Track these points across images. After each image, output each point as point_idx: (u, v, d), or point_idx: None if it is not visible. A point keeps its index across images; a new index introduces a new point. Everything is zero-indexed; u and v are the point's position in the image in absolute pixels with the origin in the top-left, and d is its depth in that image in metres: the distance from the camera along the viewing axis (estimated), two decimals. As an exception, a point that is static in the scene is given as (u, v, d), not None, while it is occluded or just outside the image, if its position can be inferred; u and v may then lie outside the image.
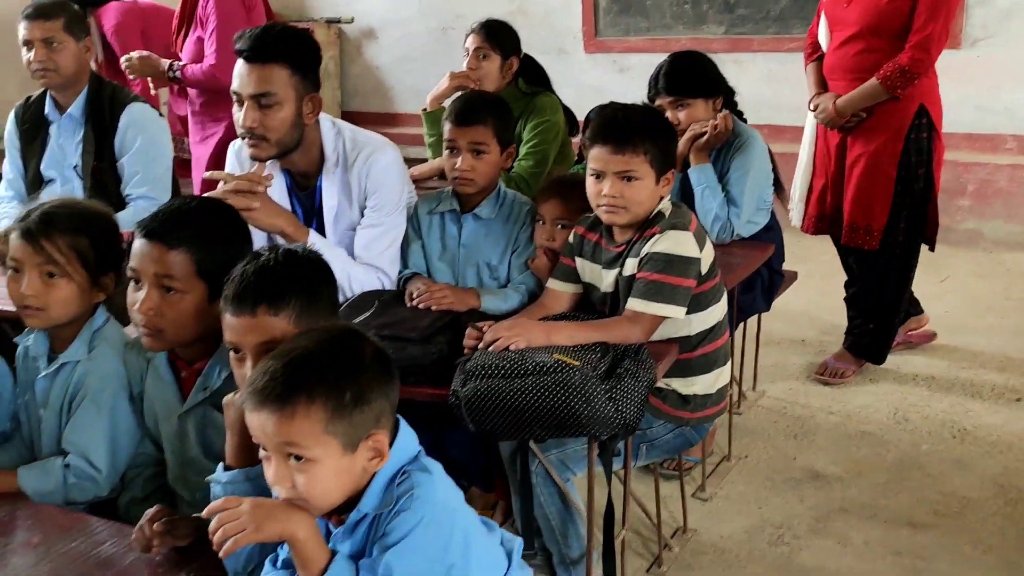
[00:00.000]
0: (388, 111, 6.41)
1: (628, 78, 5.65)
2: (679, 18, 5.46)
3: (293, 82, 2.35)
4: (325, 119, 2.53)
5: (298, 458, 1.33)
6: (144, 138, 3.12)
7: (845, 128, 3.48)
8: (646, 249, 2.18)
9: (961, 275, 4.63)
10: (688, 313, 2.21)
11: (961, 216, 4.99)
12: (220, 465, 1.56)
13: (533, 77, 3.54)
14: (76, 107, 3.12)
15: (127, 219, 2.70)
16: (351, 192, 2.53)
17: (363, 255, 2.52)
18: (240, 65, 2.35)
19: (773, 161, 3.16)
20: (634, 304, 2.16)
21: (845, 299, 3.78)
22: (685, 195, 3.03)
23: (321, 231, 2.55)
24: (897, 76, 3.30)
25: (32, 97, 3.20)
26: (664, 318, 2.17)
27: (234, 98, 2.38)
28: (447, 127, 2.55)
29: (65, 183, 3.13)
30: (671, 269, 2.16)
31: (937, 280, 4.58)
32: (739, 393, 3.44)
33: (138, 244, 1.73)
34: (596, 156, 2.22)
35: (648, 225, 2.22)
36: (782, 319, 3.95)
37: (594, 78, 5.72)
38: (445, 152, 2.58)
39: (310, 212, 2.59)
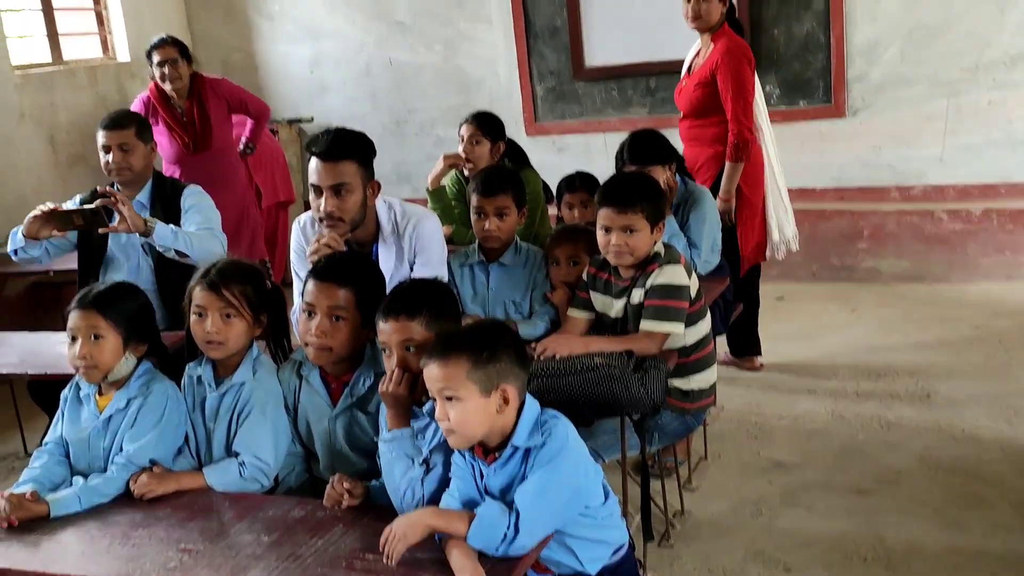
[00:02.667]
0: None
1: (566, 156, 6.39)
2: (608, 103, 6.26)
3: (360, 173, 2.95)
4: (378, 199, 3.15)
5: (449, 398, 1.95)
6: (204, 202, 3.67)
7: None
8: (650, 282, 2.85)
9: (868, 306, 5.45)
10: (685, 328, 2.89)
11: (861, 257, 5.84)
12: (384, 431, 2.16)
13: (515, 157, 4.25)
14: (143, 195, 3.64)
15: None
16: (403, 254, 3.13)
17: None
18: (316, 163, 2.93)
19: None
20: (647, 325, 2.83)
21: None
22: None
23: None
24: (736, 150, 4.20)
25: (97, 188, 3.60)
26: (670, 333, 2.84)
27: (312, 190, 2.98)
28: (475, 197, 3.22)
29: (129, 260, 3.62)
30: (672, 295, 2.84)
31: (848, 310, 5.40)
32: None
33: (312, 284, 2.33)
34: (604, 215, 2.89)
35: (648, 263, 2.90)
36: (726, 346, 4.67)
37: (535, 158, 6.31)
38: (473, 216, 3.24)
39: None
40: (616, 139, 5.85)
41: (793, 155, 5.89)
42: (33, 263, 3.65)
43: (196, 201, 3.69)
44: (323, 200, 2.94)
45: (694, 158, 4.31)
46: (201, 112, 5.04)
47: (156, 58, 4.94)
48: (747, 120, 4.20)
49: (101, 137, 3.61)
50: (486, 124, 4.14)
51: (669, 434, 3.05)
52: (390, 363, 2.20)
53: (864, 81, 5.73)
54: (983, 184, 5.62)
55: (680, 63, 5.95)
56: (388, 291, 3.09)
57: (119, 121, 3.64)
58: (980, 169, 5.62)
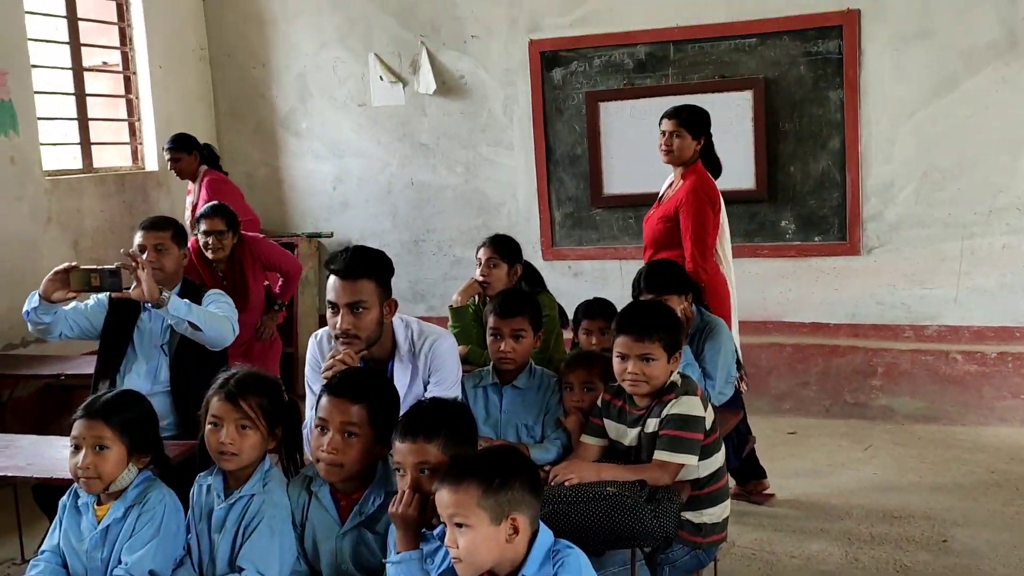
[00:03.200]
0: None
1: (581, 281, 6.46)
2: (624, 230, 6.35)
3: (378, 291, 2.98)
4: (395, 317, 3.17)
5: (459, 525, 1.93)
6: (224, 299, 3.77)
7: None
8: (666, 411, 2.84)
9: (881, 444, 5.38)
10: (699, 460, 2.86)
11: (874, 394, 5.81)
12: (393, 552, 2.12)
13: (532, 280, 4.28)
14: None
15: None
16: (418, 372, 3.14)
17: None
18: (335, 280, 2.97)
19: (735, 343, 3.90)
20: (661, 455, 2.80)
21: None
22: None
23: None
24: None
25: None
26: (684, 464, 2.81)
27: (329, 308, 3.00)
28: (492, 318, 3.24)
29: (149, 361, 3.67)
30: (687, 426, 2.82)
31: (862, 448, 5.33)
32: (714, 543, 4.03)
33: (325, 400, 2.33)
34: (621, 342, 2.89)
35: (664, 392, 2.89)
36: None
37: (552, 281, 6.41)
38: (489, 338, 3.25)
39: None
40: (632, 266, 5.95)
41: (807, 290, 5.97)
42: (45, 332, 3.59)
43: (217, 298, 3.79)
44: (340, 318, 2.96)
45: None
46: (240, 276, 5.09)
47: (203, 226, 5.00)
48: (702, 260, 4.31)
49: (139, 237, 3.73)
50: (503, 247, 4.20)
51: (680, 568, 2.97)
52: (403, 483, 2.18)
53: (879, 220, 5.81)
54: (998, 327, 5.62)
55: None
56: (402, 410, 3.12)
57: (158, 223, 3.80)
58: (995, 311, 5.63)
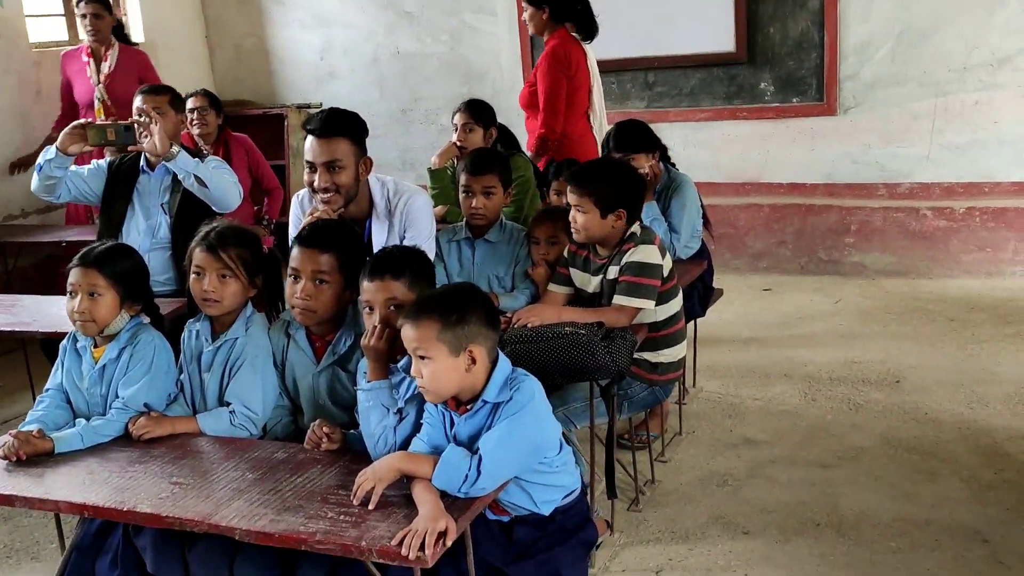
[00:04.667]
0: (350, 183, 7.19)
1: (565, 147, 6.58)
2: (607, 95, 6.34)
3: (353, 150, 3.14)
4: (370, 176, 3.34)
5: (422, 357, 2.14)
6: (225, 165, 3.92)
7: None
8: (625, 259, 3.04)
9: (851, 298, 5.62)
10: (656, 305, 3.08)
11: (847, 251, 6.01)
12: (363, 380, 2.35)
13: (507, 142, 4.44)
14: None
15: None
16: (394, 228, 3.33)
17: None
18: (311, 140, 3.13)
19: (700, 200, 4.07)
20: (619, 299, 3.02)
21: None
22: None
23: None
24: (539, 144, 4.72)
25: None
26: (641, 309, 3.03)
27: (307, 167, 3.17)
28: (463, 176, 3.41)
29: (150, 218, 3.83)
30: (643, 273, 3.02)
31: (832, 302, 5.57)
32: (682, 387, 4.30)
33: (297, 250, 2.53)
34: (569, 190, 3.09)
35: (624, 242, 3.09)
36: (711, 332, 4.84)
37: None
38: (461, 195, 3.44)
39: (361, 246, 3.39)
40: None
41: (785, 151, 6.10)
42: (51, 189, 3.72)
43: (218, 164, 3.91)
44: (317, 176, 3.13)
45: (531, 150, 4.80)
46: (224, 155, 5.15)
47: (189, 104, 5.05)
48: (553, 121, 4.66)
49: (138, 101, 3.90)
50: (478, 111, 4.33)
51: (638, 403, 3.23)
52: (371, 320, 2.39)
53: (855, 80, 5.89)
54: (967, 183, 5.78)
55: (680, 58, 6.18)
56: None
57: (156, 88, 4.00)
58: (965, 168, 5.78)
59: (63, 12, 6.35)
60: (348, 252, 2.58)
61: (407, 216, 3.33)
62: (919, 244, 5.85)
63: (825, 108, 5.98)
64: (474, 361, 2.16)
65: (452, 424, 2.22)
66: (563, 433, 3.01)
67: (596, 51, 6.30)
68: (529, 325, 2.90)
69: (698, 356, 4.43)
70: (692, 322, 4.19)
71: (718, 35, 6.02)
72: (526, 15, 4.80)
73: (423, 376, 2.15)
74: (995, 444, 3.67)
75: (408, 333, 2.16)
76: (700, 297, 4.07)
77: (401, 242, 3.33)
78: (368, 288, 2.40)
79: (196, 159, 3.80)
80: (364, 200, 3.32)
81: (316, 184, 3.16)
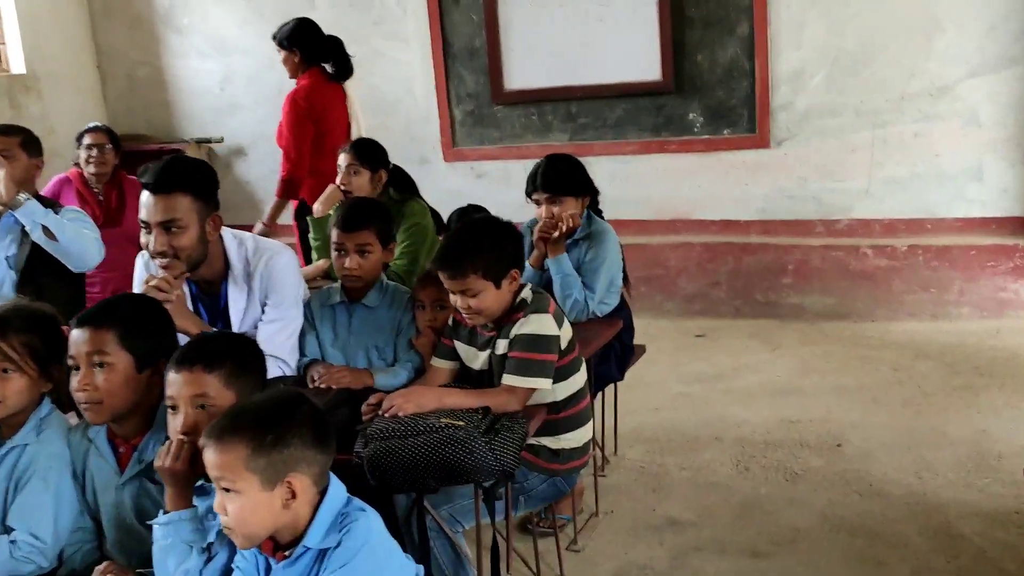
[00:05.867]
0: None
1: (485, 183, 6.14)
2: (528, 128, 6.01)
3: (196, 207, 2.66)
4: (227, 233, 2.84)
5: (227, 490, 1.66)
6: (84, 217, 3.53)
7: None
8: (514, 331, 2.57)
9: (789, 344, 5.23)
10: (554, 383, 2.61)
11: (785, 292, 5.63)
12: (161, 512, 1.85)
13: (402, 185, 3.96)
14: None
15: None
16: (254, 292, 2.84)
17: (265, 347, 2.78)
18: (146, 196, 2.66)
19: (621, 252, 3.63)
20: (509, 379, 2.55)
21: None
22: (545, 287, 3.47)
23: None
24: (282, 186, 4.74)
25: None
26: (535, 389, 2.56)
27: (142, 227, 2.68)
28: (335, 232, 2.92)
29: None
30: (536, 347, 2.56)
31: (770, 349, 5.16)
32: (602, 457, 3.84)
33: (73, 334, 2.03)
34: (443, 280, 2.60)
35: (514, 311, 2.62)
36: (637, 389, 4.40)
37: (454, 183, 6.18)
38: (333, 253, 2.95)
39: (215, 314, 2.89)
40: None
41: (717, 186, 5.71)
42: None
43: (76, 215, 3.54)
44: (152, 238, 2.65)
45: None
46: (119, 196, 4.72)
47: (86, 140, 4.67)
48: (297, 166, 4.67)
49: None
50: (364, 152, 3.86)
51: (536, 498, 2.76)
52: (173, 424, 1.90)
53: (789, 110, 5.54)
54: (909, 219, 5.44)
55: (601, 87, 5.79)
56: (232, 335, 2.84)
57: (5, 129, 3.61)
58: (906, 203, 5.44)
59: (-71, 40, 5.77)
60: (132, 323, 2.07)
61: (268, 278, 2.85)
62: (860, 284, 5.47)
63: (758, 140, 5.61)
64: (294, 495, 1.68)
65: (268, 571, 1.73)
66: (448, 536, 2.58)
67: (516, 79, 5.96)
68: (402, 414, 2.42)
69: (620, 419, 3.98)
70: (612, 385, 3.75)
71: (643, 63, 5.64)
72: (280, 57, 4.79)
73: (228, 513, 1.66)
74: (947, 523, 3.26)
75: (210, 458, 1.67)
76: (618, 359, 3.62)
77: (263, 309, 2.86)
78: (172, 381, 1.91)
79: (48, 209, 3.41)
80: (218, 261, 2.83)
81: (151, 247, 2.67)
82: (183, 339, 2.65)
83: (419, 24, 6.08)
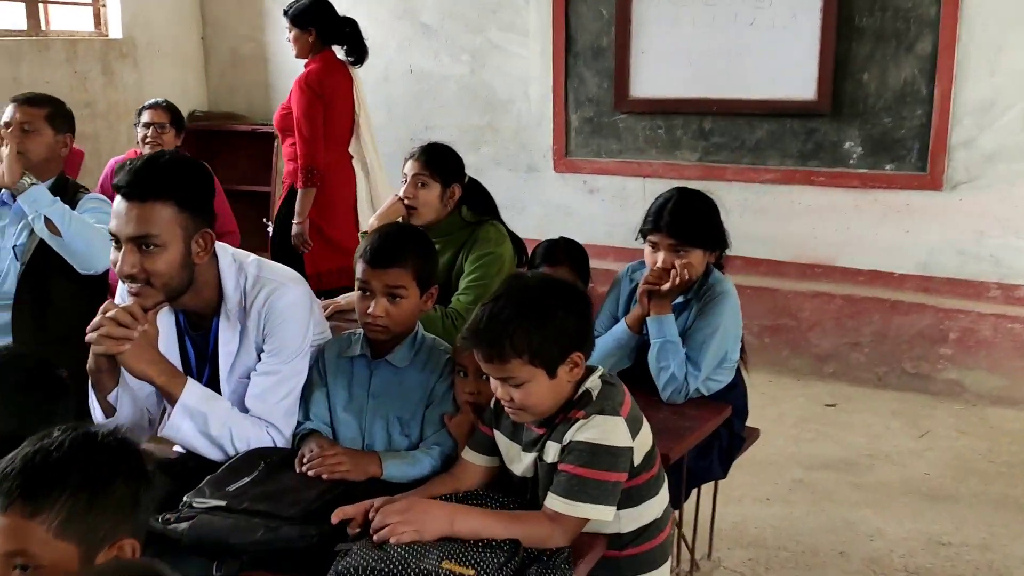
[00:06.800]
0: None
1: (597, 199, 5.42)
2: (652, 142, 5.24)
3: (179, 220, 2.05)
4: (226, 255, 2.22)
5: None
6: (104, 209, 3.08)
7: None
8: (569, 436, 1.85)
9: (942, 430, 4.31)
10: (618, 509, 1.88)
11: (942, 365, 4.69)
12: None
13: (478, 204, 3.25)
14: None
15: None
16: (249, 334, 2.21)
17: (255, 406, 2.19)
18: (118, 202, 2.06)
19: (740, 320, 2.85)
20: (555, 503, 1.82)
21: None
22: (641, 350, 2.73)
23: (215, 379, 2.24)
24: (303, 174, 4.34)
25: None
26: (587, 519, 1.83)
27: (112, 241, 2.08)
28: (359, 266, 2.25)
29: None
30: (598, 462, 1.82)
31: (916, 435, 4.26)
32: (691, 560, 3.08)
33: None
34: (478, 360, 1.90)
35: (573, 406, 1.89)
36: (744, 468, 3.58)
37: (563, 197, 5.50)
38: (356, 293, 2.27)
39: (203, 357, 2.27)
40: (659, 185, 4.98)
41: (871, 230, 4.84)
42: None
43: (96, 206, 3.13)
44: (121, 255, 2.04)
45: (289, 172, 4.51)
46: None
47: (144, 117, 4.27)
48: (313, 150, 4.32)
49: (7, 111, 3.11)
50: (437, 161, 3.16)
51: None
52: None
53: (971, 148, 4.59)
54: (1111, 293, 4.43)
55: (742, 103, 5.01)
56: (225, 388, 2.22)
57: (33, 99, 3.17)
58: (1109, 273, 4.43)
59: (23, -3, 5.43)
60: None
61: (268, 318, 2.20)
62: (1040, 367, 4.49)
63: (927, 180, 4.68)
64: None
65: None
66: None
67: (644, 86, 5.20)
68: (394, 540, 1.72)
69: (718, 508, 3.19)
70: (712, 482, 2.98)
71: (796, 78, 4.79)
72: (290, 35, 4.45)
73: None
74: None
75: None
76: (722, 452, 2.83)
77: (259, 354, 2.21)
78: None
79: (56, 198, 2.98)
80: (209, 289, 2.20)
81: (118, 268, 2.06)
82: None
83: (542, 15, 5.39)
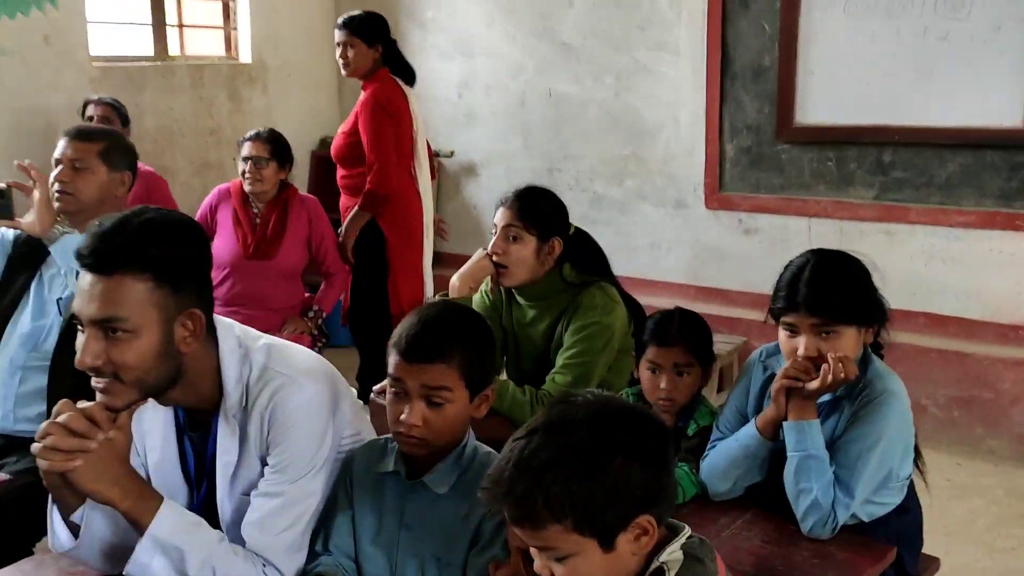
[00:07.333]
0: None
1: (754, 241, 4.76)
2: (820, 176, 4.53)
3: (156, 298, 1.62)
4: (229, 337, 1.76)
5: None
6: None
7: None
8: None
9: None
10: None
11: None
12: None
13: (585, 262, 2.68)
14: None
15: None
16: (250, 440, 1.75)
17: (252, 537, 1.72)
18: (82, 276, 1.64)
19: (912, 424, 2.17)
20: None
21: None
22: (775, 459, 2.10)
23: (213, 492, 1.79)
24: (369, 200, 4.05)
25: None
26: None
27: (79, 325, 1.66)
28: (392, 358, 1.73)
29: (40, 318, 2.72)
30: None
31: None
32: None
33: None
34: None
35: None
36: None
37: (714, 237, 4.88)
38: (389, 393, 1.76)
39: (203, 465, 1.82)
40: (825, 226, 4.38)
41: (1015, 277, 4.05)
42: None
43: None
44: (83, 342, 1.62)
45: (348, 208, 4.19)
46: (279, 221, 3.95)
47: (243, 151, 3.94)
48: (384, 173, 4.05)
49: (59, 146, 2.76)
50: (531, 210, 2.60)
51: None
52: None
53: None
54: None
55: (930, 131, 4.28)
56: (221, 505, 1.76)
57: (87, 133, 2.81)
58: None
59: (151, 22, 5.27)
60: None
61: (272, 423, 1.73)
62: None
63: None
64: None
65: None
66: None
67: (811, 111, 4.55)
68: None
69: None
70: None
71: (998, 101, 4.04)
72: (351, 52, 4.11)
73: None
74: None
75: None
76: (884, 603, 2.16)
77: (262, 464, 1.74)
78: None
79: None
80: (208, 381, 1.75)
81: (78, 358, 1.63)
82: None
83: (694, 32, 4.79)
